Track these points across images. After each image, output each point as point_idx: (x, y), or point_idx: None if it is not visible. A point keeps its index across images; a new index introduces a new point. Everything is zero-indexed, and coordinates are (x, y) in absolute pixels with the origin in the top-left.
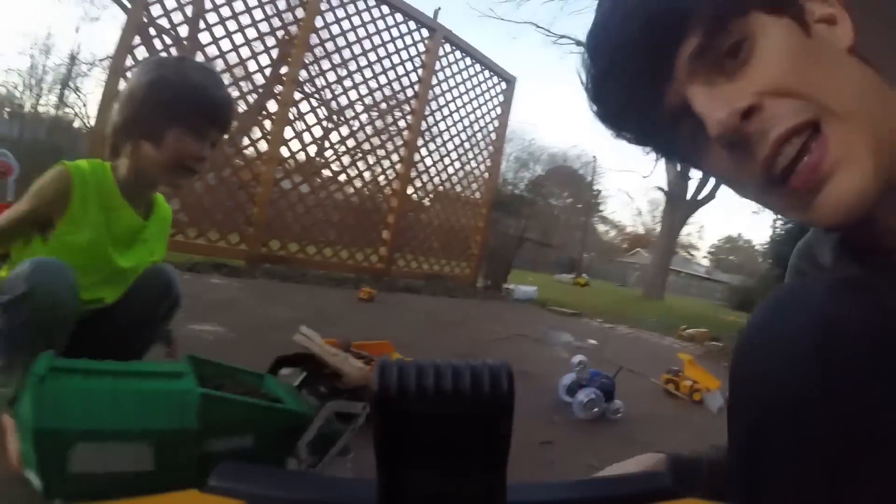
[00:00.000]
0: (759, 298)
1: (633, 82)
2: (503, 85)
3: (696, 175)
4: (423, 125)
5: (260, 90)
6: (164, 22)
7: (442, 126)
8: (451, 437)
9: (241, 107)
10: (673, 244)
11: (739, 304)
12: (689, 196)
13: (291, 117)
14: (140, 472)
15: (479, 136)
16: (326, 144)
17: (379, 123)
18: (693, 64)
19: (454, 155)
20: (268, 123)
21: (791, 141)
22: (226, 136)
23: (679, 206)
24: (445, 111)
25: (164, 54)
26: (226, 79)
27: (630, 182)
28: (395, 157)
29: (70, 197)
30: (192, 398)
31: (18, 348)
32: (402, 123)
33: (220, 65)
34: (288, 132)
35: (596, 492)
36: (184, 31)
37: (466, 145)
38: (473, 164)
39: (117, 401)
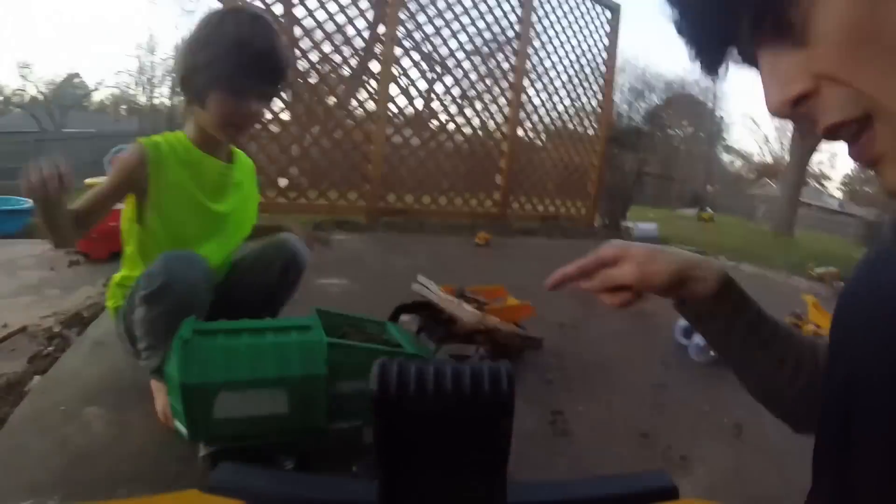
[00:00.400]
0: None
1: (703, 37)
2: (608, 14)
3: None
4: (528, 64)
5: (361, 53)
6: (258, 3)
7: (547, 63)
8: (452, 438)
9: (346, 71)
10: (803, 175)
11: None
12: None
13: (395, 73)
14: (276, 414)
15: (587, 69)
16: (432, 96)
17: (483, 69)
18: (756, 29)
19: (563, 91)
20: (373, 83)
21: (841, 129)
22: (282, 88)
23: (808, 133)
24: (550, 48)
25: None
26: (326, 47)
27: (756, 106)
28: (502, 101)
29: (146, 163)
30: (319, 347)
31: (161, 332)
32: (506, 65)
33: (319, 35)
34: (393, 89)
35: (597, 491)
36: (278, 9)
37: (575, 80)
38: (585, 98)
39: (254, 354)
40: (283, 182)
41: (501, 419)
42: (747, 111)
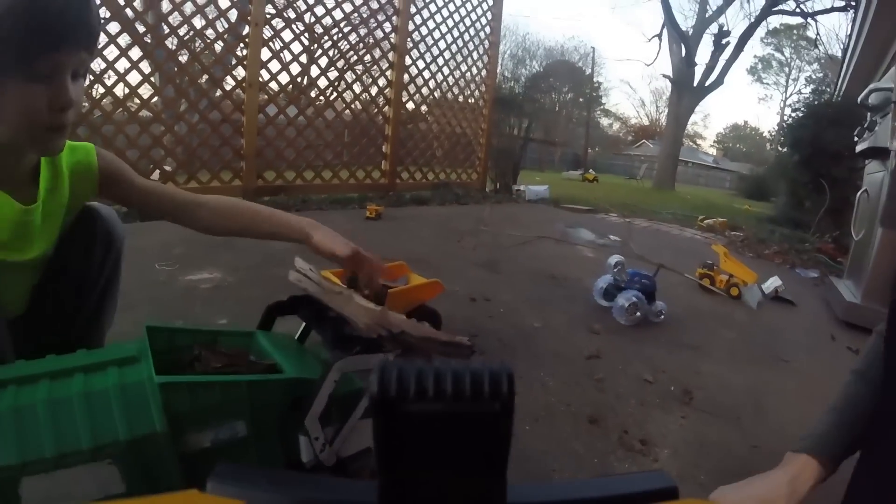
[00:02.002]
0: (769, 186)
1: None
2: None
3: (702, 60)
4: (411, 25)
5: (229, 13)
6: None
7: (431, 24)
8: (452, 439)
9: (211, 34)
10: (680, 134)
11: (749, 192)
12: (695, 83)
13: (266, 37)
14: (111, 495)
15: (470, 32)
16: (309, 61)
17: (363, 30)
18: None
19: (447, 54)
20: (243, 49)
21: None
22: (89, 54)
23: (685, 94)
24: (433, 7)
25: None
26: (198, 21)
27: (631, 72)
28: (384, 65)
29: None
30: (147, 391)
31: None
32: (387, 27)
33: (189, 8)
34: (265, 53)
35: (596, 492)
36: None
37: (459, 42)
38: (469, 62)
39: (57, 413)
40: (156, 175)
41: (501, 420)
42: (624, 76)
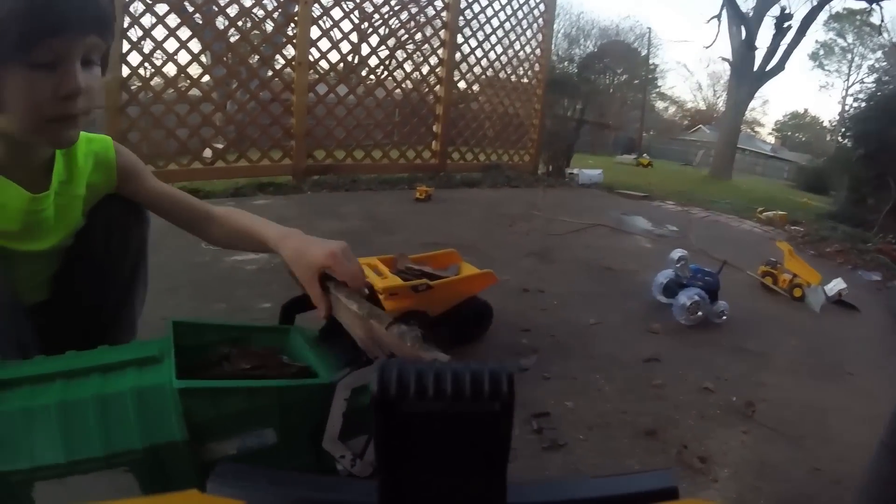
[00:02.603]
0: (830, 180)
1: None
2: None
3: (762, 44)
4: (463, 2)
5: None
6: None
7: (483, 2)
8: (451, 439)
9: (259, 13)
10: (739, 120)
11: (808, 184)
12: (755, 67)
13: (315, 15)
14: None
15: (523, 10)
16: (357, 38)
17: (413, 8)
18: None
19: (500, 33)
20: (292, 28)
21: None
22: (102, 39)
23: (745, 79)
24: None
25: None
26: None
27: (689, 54)
28: (435, 43)
29: None
30: (167, 396)
31: None
32: (438, 4)
33: None
34: (315, 32)
35: (597, 492)
36: None
37: (512, 21)
38: (521, 41)
39: (70, 417)
40: (207, 153)
41: (501, 420)
42: (681, 59)
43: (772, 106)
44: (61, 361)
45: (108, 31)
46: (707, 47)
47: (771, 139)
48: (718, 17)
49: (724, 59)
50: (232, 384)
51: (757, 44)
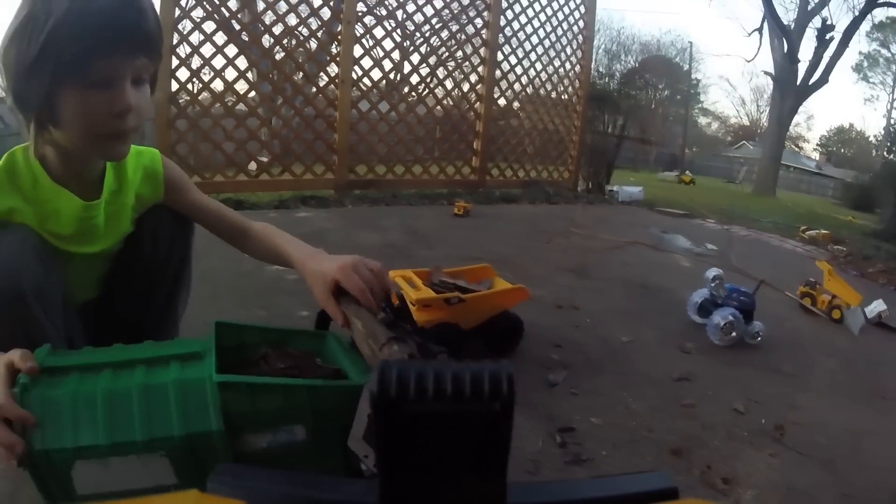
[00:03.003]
0: (875, 197)
1: None
2: None
3: (805, 57)
4: (503, 20)
5: (321, 11)
6: None
7: (523, 19)
8: (452, 439)
9: (313, 43)
10: (783, 135)
11: (854, 201)
12: (798, 81)
13: (358, 34)
14: (161, 485)
15: (563, 27)
16: (400, 57)
17: (454, 26)
18: None
19: (539, 50)
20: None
21: None
22: (150, 60)
23: (788, 93)
24: (525, 2)
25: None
26: (292, 19)
27: (731, 68)
28: (475, 60)
29: None
30: (207, 389)
31: None
32: (478, 22)
33: (282, 6)
34: (357, 50)
35: (597, 492)
36: None
37: (553, 37)
38: (562, 58)
39: (115, 404)
40: (252, 166)
41: (501, 420)
42: (723, 73)
43: (816, 121)
44: (108, 353)
45: (156, 52)
46: (749, 61)
47: (815, 155)
48: (760, 29)
49: (766, 72)
50: (267, 381)
51: (799, 56)
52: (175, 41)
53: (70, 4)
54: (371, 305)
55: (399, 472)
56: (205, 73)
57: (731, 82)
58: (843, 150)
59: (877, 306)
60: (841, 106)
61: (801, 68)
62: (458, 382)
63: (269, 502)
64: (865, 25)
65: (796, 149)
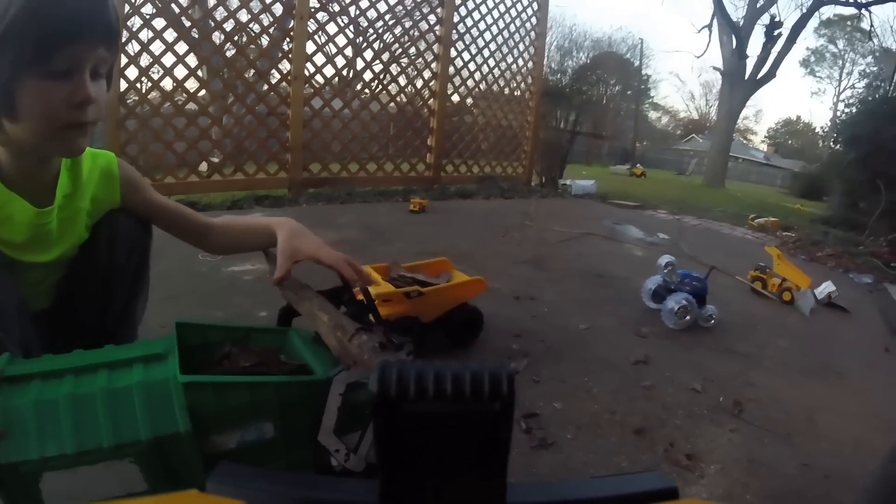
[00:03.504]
0: (824, 185)
1: None
2: None
3: (753, 52)
4: (456, 17)
5: (273, 7)
6: None
7: (476, 16)
8: (451, 439)
9: (265, 39)
10: (732, 128)
11: (802, 190)
12: (747, 76)
13: (311, 30)
14: (131, 493)
15: (516, 23)
16: (352, 52)
17: (408, 23)
18: None
19: (493, 46)
20: (288, 43)
21: None
22: (109, 52)
23: (737, 87)
24: (477, 1)
25: None
26: (243, 15)
27: (681, 63)
28: (429, 57)
29: None
30: (171, 390)
31: None
32: (432, 18)
33: (234, 2)
34: (310, 46)
35: (597, 492)
36: None
37: (506, 34)
38: (514, 54)
39: (79, 409)
40: (204, 166)
41: (501, 421)
42: (673, 69)
43: (764, 114)
44: (69, 359)
45: (115, 45)
46: (699, 57)
47: (764, 147)
48: (709, 26)
49: (715, 68)
50: (233, 379)
51: (748, 52)
52: (124, 38)
53: None
54: (351, 276)
55: (399, 471)
56: (154, 72)
57: (681, 77)
58: (790, 142)
59: (826, 287)
60: (788, 99)
61: (750, 63)
62: (458, 382)
63: (268, 502)
64: (813, 22)
65: (745, 141)
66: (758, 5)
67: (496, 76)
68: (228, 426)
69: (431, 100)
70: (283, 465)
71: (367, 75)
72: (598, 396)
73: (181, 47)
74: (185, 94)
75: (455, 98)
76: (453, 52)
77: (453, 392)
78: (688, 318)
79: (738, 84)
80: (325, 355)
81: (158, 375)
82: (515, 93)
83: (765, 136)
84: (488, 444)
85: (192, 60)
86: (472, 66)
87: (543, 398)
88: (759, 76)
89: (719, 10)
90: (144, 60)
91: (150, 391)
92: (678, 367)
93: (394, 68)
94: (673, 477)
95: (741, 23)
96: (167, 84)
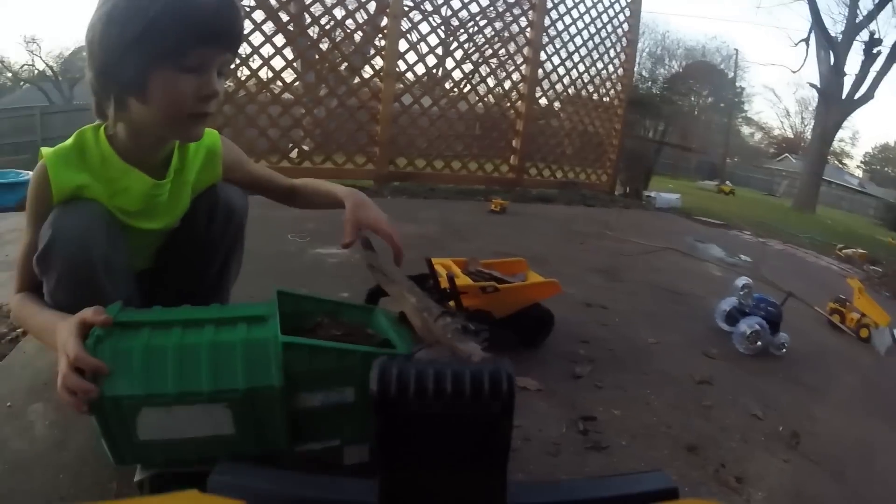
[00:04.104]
0: None
1: None
2: None
3: (852, 70)
4: (547, 20)
5: (368, 5)
6: None
7: (567, 20)
8: (451, 438)
9: (351, 24)
10: (826, 150)
11: (895, 223)
12: (844, 94)
13: (403, 28)
14: (219, 435)
15: (607, 29)
16: (442, 51)
17: (499, 24)
18: None
19: (583, 51)
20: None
21: None
22: (232, 56)
23: (833, 106)
24: (570, 2)
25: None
26: (339, 11)
27: (776, 77)
28: (518, 59)
29: (52, 196)
30: (271, 349)
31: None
32: (523, 21)
33: None
34: (402, 45)
35: (597, 492)
36: None
37: (597, 39)
38: (605, 59)
39: (184, 357)
40: (295, 153)
41: (501, 420)
42: (767, 83)
43: (861, 137)
44: (178, 312)
45: (237, 51)
46: (795, 72)
47: (859, 172)
48: (807, 40)
49: (811, 84)
50: (326, 344)
51: (846, 70)
52: None
53: None
54: (398, 248)
55: (399, 471)
56: (252, 61)
57: (776, 93)
58: (886, 169)
59: None
60: (887, 123)
61: (847, 82)
62: (458, 382)
63: (269, 502)
64: None
65: (839, 165)
66: (857, 20)
67: (585, 81)
68: (316, 386)
69: (518, 102)
70: (358, 428)
71: (457, 75)
72: (656, 409)
73: (279, 40)
74: (280, 84)
75: (542, 101)
76: (543, 56)
77: (453, 392)
78: (759, 343)
79: (835, 103)
80: (407, 335)
81: (260, 334)
82: (604, 99)
83: (860, 161)
84: (488, 444)
85: (288, 53)
86: (560, 70)
87: (603, 404)
88: (857, 96)
89: (817, 23)
90: (242, 49)
91: (251, 347)
92: (741, 391)
93: (483, 69)
94: (717, 497)
95: (839, 38)
96: (264, 74)
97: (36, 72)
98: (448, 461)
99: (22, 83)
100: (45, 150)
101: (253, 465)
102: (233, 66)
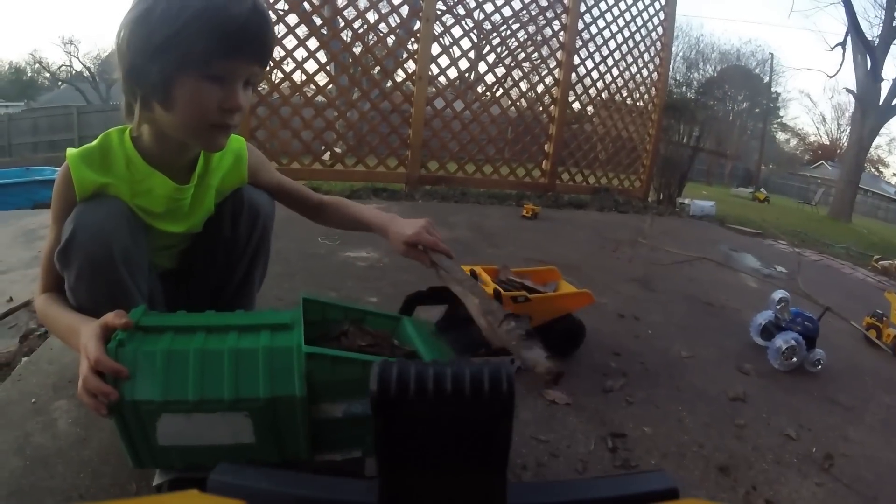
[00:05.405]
0: None
1: None
2: None
3: (889, 75)
4: (580, 24)
5: (401, 9)
6: None
7: (601, 23)
8: (451, 438)
9: (383, 28)
10: (862, 158)
11: None
12: (881, 100)
13: (436, 32)
14: (240, 443)
15: (641, 33)
16: (475, 55)
17: (531, 28)
18: None
19: (616, 55)
20: (415, 44)
21: None
22: (261, 68)
23: (870, 113)
24: (603, 6)
25: None
26: (371, 15)
27: (813, 83)
28: (552, 63)
29: (75, 195)
30: (294, 357)
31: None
32: (556, 25)
33: (362, 3)
34: (435, 48)
35: (597, 492)
36: None
37: (631, 43)
38: (639, 64)
39: (206, 364)
40: (327, 156)
41: (501, 420)
42: (803, 88)
43: None
44: (202, 318)
45: (267, 63)
46: (831, 76)
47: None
48: (843, 44)
49: (848, 90)
50: (349, 355)
51: (883, 75)
52: None
53: (206, 4)
54: (446, 252)
55: (399, 471)
56: (286, 64)
57: (812, 98)
58: None
59: None
60: None
61: (885, 88)
62: (458, 382)
63: (268, 502)
64: None
65: (876, 173)
66: (894, 23)
67: (619, 85)
68: (338, 397)
69: (552, 106)
70: None
71: (489, 79)
72: (688, 427)
73: (312, 43)
74: (314, 87)
75: (575, 105)
76: (576, 60)
77: (453, 392)
78: (794, 359)
79: (872, 109)
80: (438, 346)
81: (283, 343)
82: (638, 104)
83: None
84: (488, 443)
85: (322, 56)
86: (594, 74)
87: (634, 420)
88: (895, 102)
89: (853, 27)
90: (276, 52)
91: (274, 356)
92: (775, 409)
93: (516, 73)
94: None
95: (876, 42)
96: (297, 76)
97: (73, 72)
98: (448, 461)
99: (60, 83)
100: (69, 151)
101: (252, 465)
102: (266, 69)
